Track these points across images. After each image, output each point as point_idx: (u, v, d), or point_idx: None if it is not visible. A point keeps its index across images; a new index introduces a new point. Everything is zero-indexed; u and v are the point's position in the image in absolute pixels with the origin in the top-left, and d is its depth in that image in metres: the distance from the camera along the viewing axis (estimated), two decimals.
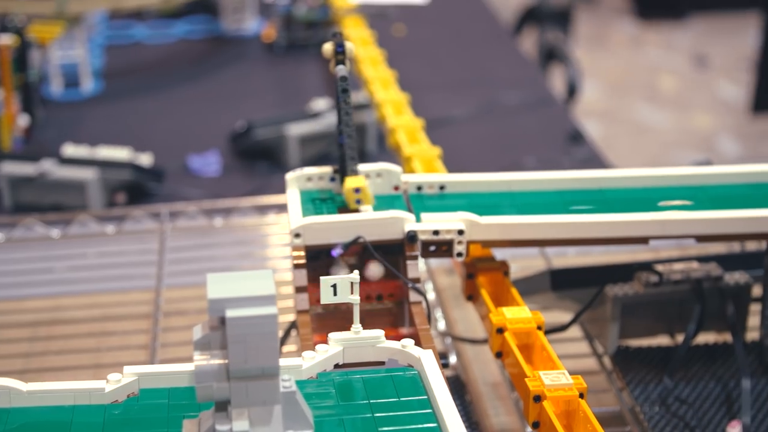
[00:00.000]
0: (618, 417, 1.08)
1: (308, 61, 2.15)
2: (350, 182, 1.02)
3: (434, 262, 1.38)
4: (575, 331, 1.19)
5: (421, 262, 1.33)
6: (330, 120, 1.75)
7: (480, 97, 2.03)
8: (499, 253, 1.36)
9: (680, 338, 1.13)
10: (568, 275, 1.13)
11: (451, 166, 1.31)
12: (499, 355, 0.95)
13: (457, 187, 1.07)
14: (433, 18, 2.48)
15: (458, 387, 1.08)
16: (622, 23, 5.05)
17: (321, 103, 1.78)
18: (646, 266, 1.11)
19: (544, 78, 2.38)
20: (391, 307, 1.01)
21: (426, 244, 0.99)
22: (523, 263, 1.36)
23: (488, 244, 1.01)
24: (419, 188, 1.07)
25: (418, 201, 1.06)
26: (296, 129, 1.72)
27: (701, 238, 1.02)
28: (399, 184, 1.07)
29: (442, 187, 1.07)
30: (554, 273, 1.13)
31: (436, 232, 0.98)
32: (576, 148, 1.84)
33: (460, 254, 0.99)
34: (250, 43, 2.27)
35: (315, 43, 2.16)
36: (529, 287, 1.15)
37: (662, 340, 1.15)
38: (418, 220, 1.00)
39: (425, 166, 1.27)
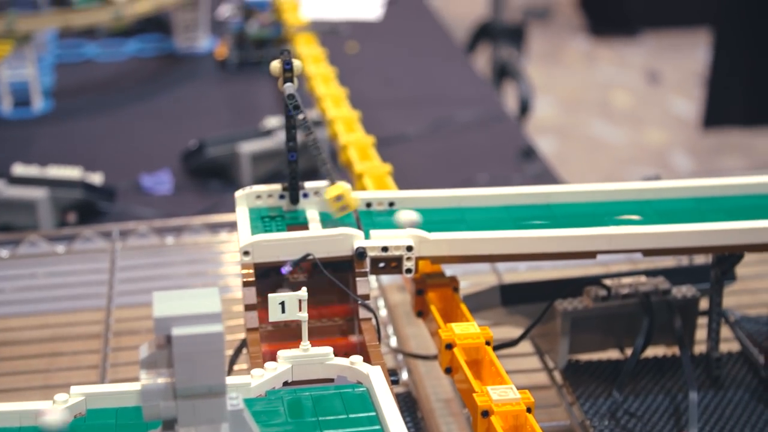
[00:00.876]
0: (568, 431, 1.08)
1: (261, 79, 2.15)
2: (330, 192, 1.02)
3: (387, 278, 1.38)
4: (527, 346, 1.20)
5: (373, 279, 1.34)
6: (282, 137, 1.74)
7: (433, 114, 2.04)
8: (452, 269, 1.37)
9: (629, 352, 1.14)
10: (517, 291, 1.14)
11: (404, 183, 1.32)
12: (448, 370, 0.96)
13: (406, 204, 1.08)
14: (386, 35, 2.49)
15: (410, 403, 1.08)
16: (576, 40, 5.09)
17: (273, 121, 1.78)
18: (595, 281, 1.12)
19: (497, 95, 2.39)
20: (341, 324, 1.01)
21: (375, 261, 0.99)
22: (475, 279, 1.37)
23: (437, 260, 1.02)
24: (369, 205, 1.08)
25: (368, 218, 1.06)
26: (248, 147, 1.72)
27: (648, 253, 1.03)
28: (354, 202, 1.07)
29: (391, 204, 1.08)
30: (504, 288, 1.13)
31: (385, 249, 0.99)
32: (528, 165, 1.85)
33: (409, 270, 0.99)
34: (202, 61, 2.27)
35: (267, 60, 2.16)
36: (479, 303, 1.16)
37: (612, 354, 1.16)
38: (367, 237, 1.00)
39: (376, 183, 1.27)
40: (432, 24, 2.60)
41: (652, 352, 1.15)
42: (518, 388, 1.15)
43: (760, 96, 3.72)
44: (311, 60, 1.79)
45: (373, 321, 0.97)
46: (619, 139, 4.15)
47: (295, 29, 1.94)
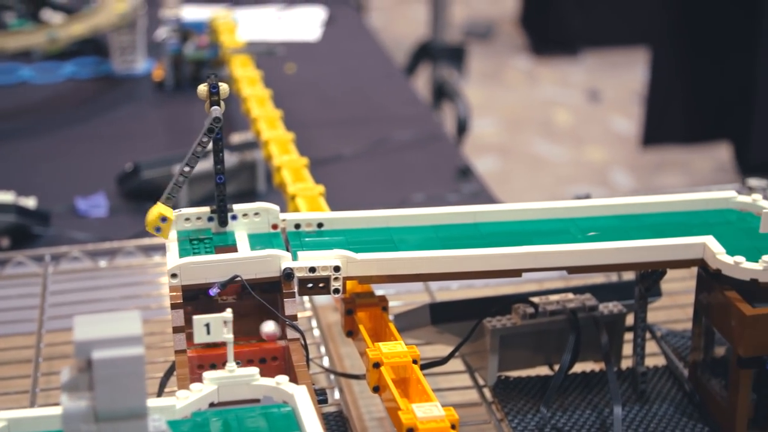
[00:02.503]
0: None
1: (198, 101, 2.14)
2: (158, 209, 1.02)
3: (323, 299, 1.39)
4: (459, 364, 1.21)
5: (306, 300, 1.35)
6: None
7: (371, 134, 2.05)
8: (385, 289, 1.38)
9: (558, 368, 1.16)
10: (446, 309, 1.15)
11: (340, 203, 1.33)
12: (376, 389, 0.96)
13: (335, 224, 1.09)
14: (325, 55, 2.50)
15: (341, 422, 1.08)
16: (518, 59, 5.14)
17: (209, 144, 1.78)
18: (523, 298, 1.13)
19: (435, 115, 2.41)
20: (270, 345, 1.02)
21: (303, 282, 1.00)
22: (408, 298, 1.38)
23: (365, 280, 1.03)
24: (297, 226, 1.08)
25: (296, 239, 1.07)
26: None
27: (572, 270, 1.05)
28: (277, 222, 1.08)
29: (320, 225, 1.09)
30: (433, 307, 1.14)
31: (312, 270, 0.99)
32: (464, 184, 1.87)
33: (336, 290, 1.00)
34: (140, 83, 2.26)
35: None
36: (410, 322, 1.17)
37: (541, 370, 1.17)
38: (295, 258, 1.01)
39: (308, 204, 1.28)
40: (371, 45, 2.62)
41: (581, 367, 1.17)
42: (450, 406, 1.17)
43: (698, 114, 3.78)
44: (246, 82, 1.79)
45: (301, 341, 0.98)
46: (560, 157, 4.20)
47: (231, 51, 1.95)
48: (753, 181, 1.53)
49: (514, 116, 4.55)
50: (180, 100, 2.18)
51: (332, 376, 1.19)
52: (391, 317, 1.19)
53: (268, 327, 0.97)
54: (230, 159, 1.78)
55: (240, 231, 1.06)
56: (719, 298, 1.05)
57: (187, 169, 1.03)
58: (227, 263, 0.99)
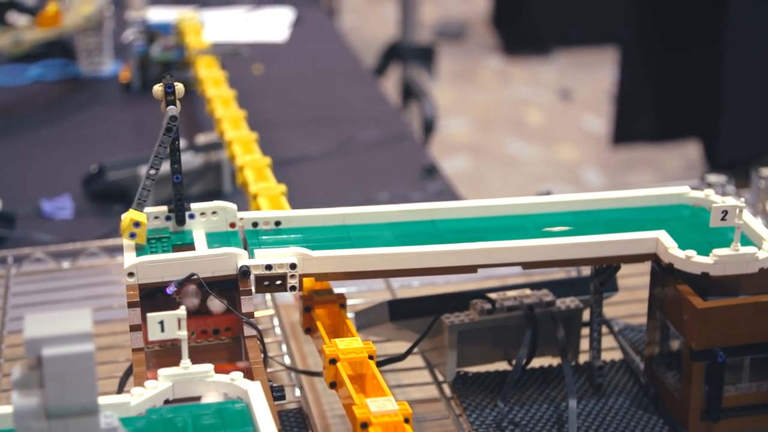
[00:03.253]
0: None
1: None
2: (130, 215, 1.03)
3: (287, 298, 1.39)
4: (420, 361, 1.22)
5: (269, 299, 1.36)
6: (184, 159, 1.75)
7: (338, 134, 2.06)
8: (348, 287, 1.39)
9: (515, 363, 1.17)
10: (405, 306, 1.16)
11: (306, 202, 1.33)
12: (332, 385, 0.97)
13: (292, 223, 1.10)
14: (293, 56, 2.51)
15: (300, 419, 1.09)
16: (490, 59, 5.16)
17: None
18: (481, 294, 1.14)
19: (403, 115, 2.42)
20: (228, 343, 1.03)
21: (260, 279, 1.01)
22: (371, 296, 1.39)
23: (322, 277, 1.03)
24: (255, 225, 1.09)
25: (254, 237, 1.07)
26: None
27: (527, 266, 1.06)
28: (235, 221, 1.08)
29: (278, 223, 1.09)
30: (392, 304, 1.15)
31: (268, 267, 1.00)
32: (429, 183, 1.88)
33: (293, 288, 1.01)
34: (107, 85, 2.26)
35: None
36: (370, 319, 1.18)
37: (500, 366, 1.19)
38: (252, 256, 1.02)
39: (270, 203, 1.29)
40: (339, 45, 2.63)
41: (539, 362, 1.18)
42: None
43: (667, 112, 3.80)
44: (211, 82, 1.80)
45: (258, 338, 0.99)
46: (532, 156, 4.22)
47: (196, 52, 1.95)
48: (712, 178, 1.55)
49: (486, 116, 4.57)
50: (147, 101, 2.18)
51: (293, 374, 1.20)
52: (352, 315, 1.21)
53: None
54: (195, 160, 1.78)
55: (198, 230, 1.07)
56: (672, 292, 1.06)
57: (153, 171, 1.03)
58: (184, 261, 0.99)
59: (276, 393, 0.98)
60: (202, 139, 1.83)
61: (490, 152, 4.25)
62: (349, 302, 1.33)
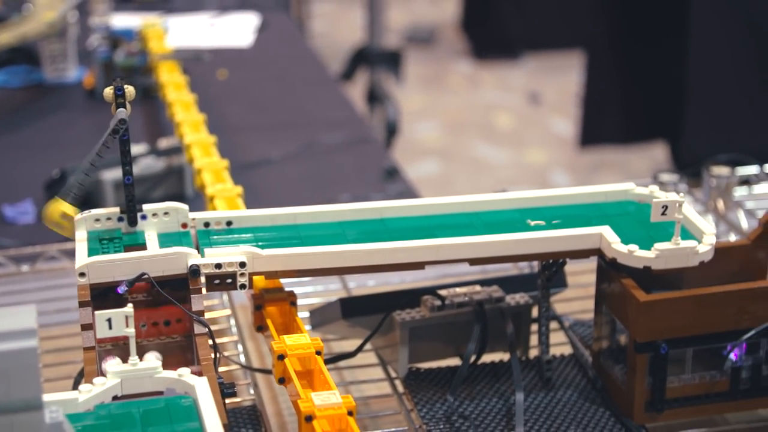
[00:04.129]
0: None
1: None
2: (58, 205, 1.04)
3: (245, 299, 1.41)
4: (374, 357, 1.24)
5: (227, 299, 1.37)
6: (145, 163, 1.77)
7: (301, 138, 2.08)
8: (304, 287, 1.40)
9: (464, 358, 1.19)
10: (357, 303, 1.17)
11: (268, 205, 1.34)
12: (281, 381, 0.99)
13: (244, 222, 1.11)
14: (257, 61, 2.52)
15: (254, 416, 1.10)
16: (460, 64, 5.19)
17: (136, 148, 1.80)
18: (431, 291, 1.16)
19: (368, 118, 2.44)
20: (181, 341, 1.04)
21: (210, 278, 1.02)
22: (328, 296, 1.40)
23: (272, 275, 1.05)
24: (207, 225, 1.11)
25: (205, 237, 1.09)
26: (111, 174, 1.73)
27: (473, 262, 1.08)
28: (187, 221, 1.10)
29: (229, 223, 1.11)
30: (344, 302, 1.17)
31: (218, 266, 1.02)
32: (391, 184, 1.90)
33: (243, 286, 1.03)
34: (71, 91, 2.27)
35: (136, 88, 2.17)
36: (323, 318, 1.20)
37: (453, 361, 1.20)
38: (203, 255, 1.03)
39: (227, 205, 1.31)
40: (303, 50, 2.64)
41: (490, 357, 1.20)
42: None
43: (634, 114, 3.84)
44: (172, 87, 1.81)
45: (209, 335, 1.00)
46: (501, 160, 4.25)
47: (158, 57, 1.97)
48: (664, 177, 1.58)
49: (456, 120, 4.59)
50: (110, 107, 2.19)
51: (249, 373, 1.22)
52: (308, 314, 1.23)
53: None
54: (157, 164, 1.79)
55: (150, 230, 1.08)
56: (616, 286, 1.09)
57: (89, 167, 1.05)
58: (134, 261, 1.01)
59: (227, 390, 1.00)
60: (164, 143, 1.84)
61: (459, 156, 4.27)
62: (306, 301, 1.36)
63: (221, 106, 2.23)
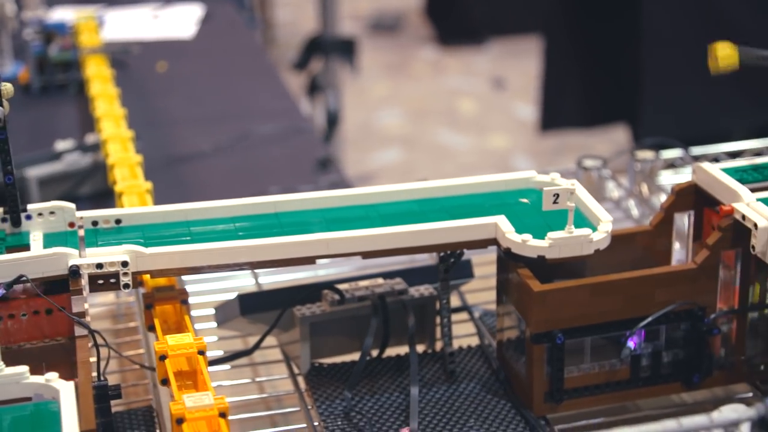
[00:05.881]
0: None
1: (64, 102, 2.14)
2: None
3: None
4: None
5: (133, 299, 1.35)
6: (71, 159, 1.75)
7: (238, 130, 2.06)
8: (215, 283, 1.38)
9: (375, 353, 1.17)
10: (256, 299, 1.15)
11: (197, 199, 1.32)
12: (164, 382, 0.97)
13: (133, 220, 1.09)
14: (199, 53, 2.50)
15: (148, 417, 1.08)
16: (424, 50, 5.16)
17: (63, 144, 1.77)
18: (331, 285, 1.14)
19: (304, 109, 2.42)
20: (64, 344, 1.02)
21: (93, 278, 1.00)
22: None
23: (157, 273, 1.03)
24: (95, 224, 1.08)
25: (93, 236, 1.07)
26: (36, 171, 1.71)
27: (367, 255, 1.06)
28: (74, 220, 1.08)
29: (118, 221, 1.09)
30: (242, 298, 1.15)
31: (99, 266, 1.00)
32: (324, 175, 1.88)
33: (126, 285, 1.01)
34: None
35: (71, 83, 2.15)
36: (225, 315, 1.18)
37: (358, 356, 1.18)
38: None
39: (136, 201, 1.29)
40: (247, 41, 2.62)
41: (396, 351, 1.18)
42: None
43: (594, 97, 3.82)
44: (97, 81, 1.79)
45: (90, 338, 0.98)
46: (464, 146, 4.23)
47: (86, 51, 1.94)
48: (588, 162, 1.56)
49: (420, 107, 4.57)
50: (46, 102, 2.17)
51: (150, 373, 1.20)
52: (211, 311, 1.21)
53: None
54: (84, 160, 1.77)
55: (36, 231, 1.06)
56: (513, 276, 1.07)
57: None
58: (13, 263, 0.98)
59: (111, 392, 0.98)
60: (91, 138, 1.81)
61: (422, 143, 4.25)
62: (219, 298, 1.34)
63: (159, 98, 2.21)
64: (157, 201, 1.30)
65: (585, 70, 3.76)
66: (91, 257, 1.00)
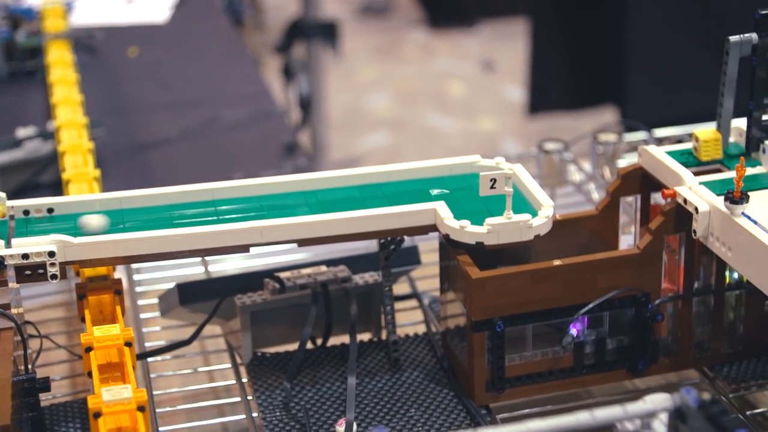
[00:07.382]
0: (245, 427, 1.08)
1: (32, 89, 2.12)
2: None
3: None
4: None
5: None
6: (33, 147, 1.73)
7: (206, 115, 2.03)
8: (169, 272, 1.36)
9: (319, 342, 1.15)
10: (195, 288, 1.13)
11: (162, 185, 1.30)
12: (90, 374, 0.95)
13: (66, 209, 1.07)
14: (172, 38, 2.47)
15: (84, 411, 1.06)
16: (415, 33, 5.13)
17: (24, 131, 1.75)
18: (271, 274, 1.12)
19: (275, 93, 2.39)
20: None
21: (20, 269, 0.98)
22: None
23: (87, 263, 1.01)
24: (27, 213, 1.06)
25: (24, 226, 1.05)
26: None
27: (302, 243, 1.04)
28: (4, 210, 1.05)
29: (50, 210, 1.07)
30: (181, 287, 1.13)
31: (25, 256, 0.97)
32: (290, 161, 1.85)
33: (54, 276, 0.99)
34: None
35: (39, 69, 2.13)
36: (166, 304, 1.15)
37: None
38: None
39: (82, 189, 1.27)
40: (221, 25, 2.59)
41: (339, 340, 1.16)
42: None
43: (581, 80, 3.79)
44: (59, 66, 1.77)
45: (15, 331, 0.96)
46: (452, 129, 4.20)
47: (50, 36, 1.92)
48: (549, 145, 1.54)
49: (409, 90, 4.54)
50: (14, 89, 2.14)
51: None
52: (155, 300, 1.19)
53: None
54: (45, 147, 1.75)
55: None
56: (453, 263, 1.05)
57: None
58: None
59: (39, 385, 0.96)
60: (53, 125, 1.79)
61: (410, 126, 4.23)
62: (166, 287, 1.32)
63: (128, 84, 2.18)
64: (120, 188, 1.27)
65: (573, 53, 3.74)
66: (16, 248, 0.98)
